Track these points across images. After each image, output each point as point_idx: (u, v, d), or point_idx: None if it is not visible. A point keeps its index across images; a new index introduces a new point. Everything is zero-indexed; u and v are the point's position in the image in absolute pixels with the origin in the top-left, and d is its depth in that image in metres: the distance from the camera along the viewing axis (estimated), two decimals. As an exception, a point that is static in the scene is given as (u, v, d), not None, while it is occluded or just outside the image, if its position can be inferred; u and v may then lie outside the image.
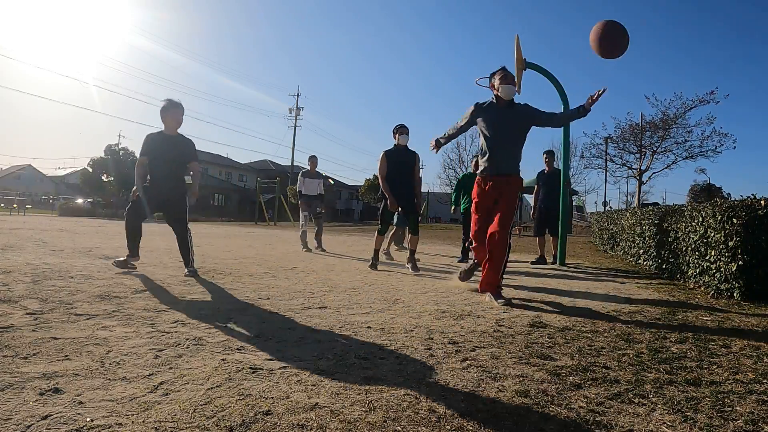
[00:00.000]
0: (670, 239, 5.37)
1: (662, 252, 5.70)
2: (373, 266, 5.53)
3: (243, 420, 1.40)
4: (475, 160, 7.71)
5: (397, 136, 5.60)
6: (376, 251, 5.62)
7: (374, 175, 49.59)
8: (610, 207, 26.64)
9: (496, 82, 3.80)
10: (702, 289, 4.40)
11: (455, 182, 7.66)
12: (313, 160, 8.09)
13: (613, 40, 3.57)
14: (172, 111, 4.40)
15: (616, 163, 25.52)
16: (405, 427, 1.40)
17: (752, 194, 3.98)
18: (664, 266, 5.63)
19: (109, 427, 1.33)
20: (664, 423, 1.47)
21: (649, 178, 24.66)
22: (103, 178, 30.29)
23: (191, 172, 4.57)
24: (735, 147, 22.57)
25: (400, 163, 5.56)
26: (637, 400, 1.65)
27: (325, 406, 1.52)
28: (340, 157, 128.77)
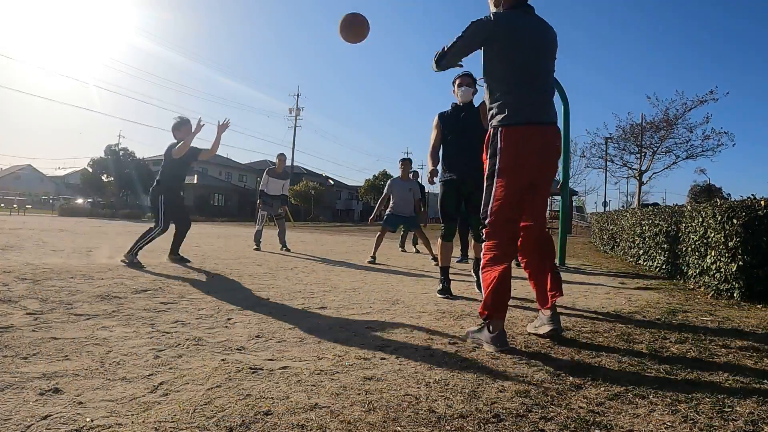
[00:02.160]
0: (670, 240, 5.38)
1: (662, 252, 5.70)
2: (445, 291, 3.77)
3: (243, 420, 1.40)
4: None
5: (456, 89, 3.89)
6: (445, 269, 3.87)
7: (374, 175, 49.40)
8: (609, 207, 26.64)
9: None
10: (702, 289, 4.40)
11: None
12: (281, 158, 7.83)
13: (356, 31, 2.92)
14: (189, 128, 5.20)
15: (617, 164, 25.53)
16: (405, 427, 1.40)
17: (752, 194, 3.98)
18: (664, 266, 5.63)
19: (109, 427, 1.33)
20: (664, 423, 1.47)
21: (650, 178, 24.64)
22: (103, 178, 30.29)
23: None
24: (734, 145, 22.54)
25: (463, 127, 3.82)
26: (637, 401, 1.65)
27: (325, 406, 1.52)
28: (340, 157, 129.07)
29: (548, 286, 2.46)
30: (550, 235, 2.58)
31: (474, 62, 2.51)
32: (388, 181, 7.00)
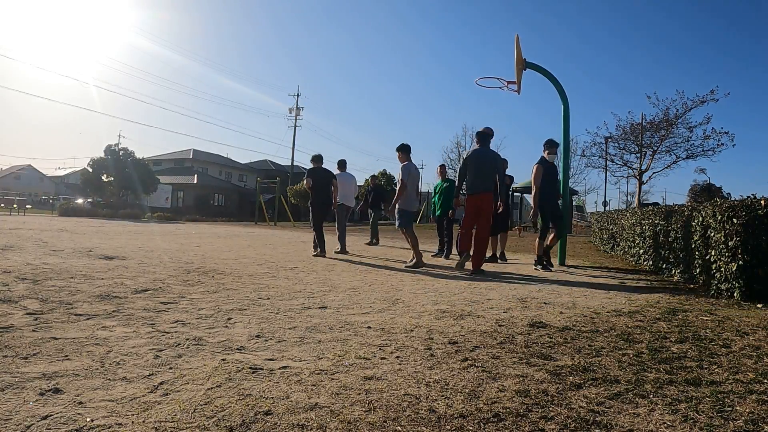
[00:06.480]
0: (670, 239, 5.38)
1: (662, 252, 5.70)
2: (544, 268, 6.03)
3: (243, 420, 1.40)
4: (440, 168, 8.12)
5: (547, 153, 6.35)
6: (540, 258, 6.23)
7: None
8: (609, 207, 26.64)
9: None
10: (702, 288, 4.39)
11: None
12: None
13: None
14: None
15: (617, 163, 25.49)
16: (405, 427, 1.40)
17: (752, 194, 3.98)
18: (663, 266, 5.63)
19: (109, 427, 1.33)
20: (664, 423, 1.47)
21: (650, 177, 24.57)
22: (103, 178, 30.22)
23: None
24: (734, 145, 22.45)
25: (553, 178, 6.42)
26: (637, 400, 1.65)
27: (325, 406, 1.52)
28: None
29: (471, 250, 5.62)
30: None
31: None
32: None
